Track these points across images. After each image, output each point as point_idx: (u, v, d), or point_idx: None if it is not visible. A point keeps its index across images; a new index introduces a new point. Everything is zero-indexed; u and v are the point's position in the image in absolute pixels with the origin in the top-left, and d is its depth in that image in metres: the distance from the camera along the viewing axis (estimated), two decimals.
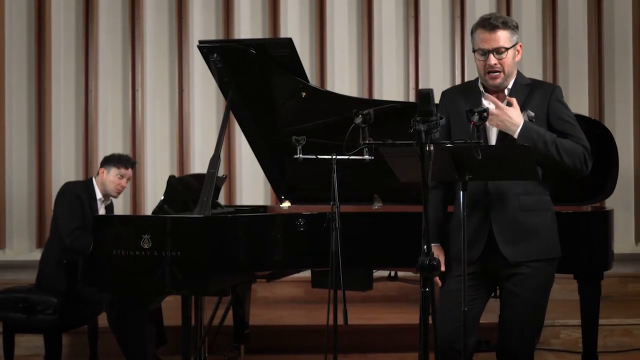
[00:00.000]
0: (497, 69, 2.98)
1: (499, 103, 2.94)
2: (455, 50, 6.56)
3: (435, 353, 2.81)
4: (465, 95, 3.11)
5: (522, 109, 3.02)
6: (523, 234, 3.00)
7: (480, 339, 5.08)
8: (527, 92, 3.06)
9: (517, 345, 3.06)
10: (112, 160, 4.71)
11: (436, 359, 2.90)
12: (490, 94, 3.05)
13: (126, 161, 4.74)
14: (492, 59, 2.97)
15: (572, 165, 2.99)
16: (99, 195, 4.68)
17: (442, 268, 3.05)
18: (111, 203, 4.84)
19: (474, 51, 3.04)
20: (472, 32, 3.06)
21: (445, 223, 3.14)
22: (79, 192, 4.61)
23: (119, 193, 4.75)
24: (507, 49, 2.98)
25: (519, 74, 3.11)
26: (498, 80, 3.01)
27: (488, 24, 2.97)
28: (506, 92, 3.07)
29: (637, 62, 6.58)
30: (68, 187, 4.67)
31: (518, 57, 3.05)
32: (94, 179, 4.73)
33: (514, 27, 3.01)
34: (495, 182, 2.99)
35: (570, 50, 6.59)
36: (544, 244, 3.04)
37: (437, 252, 3.07)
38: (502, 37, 2.97)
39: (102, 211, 4.72)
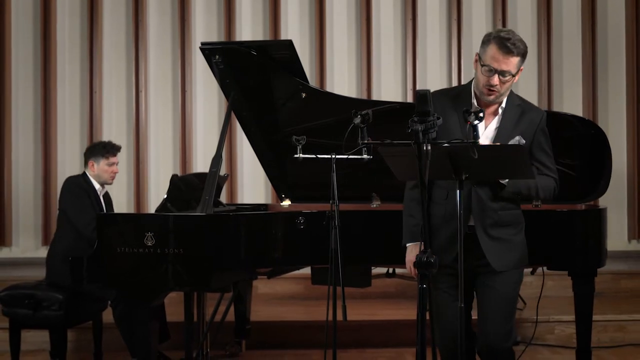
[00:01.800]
0: (496, 89, 2.99)
1: None
2: (452, 51, 6.56)
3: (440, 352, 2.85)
4: (455, 104, 3.08)
5: (514, 131, 3.06)
6: (504, 247, 3.08)
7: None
8: (519, 114, 3.09)
9: (498, 337, 3.07)
10: (97, 151, 4.71)
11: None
12: (482, 106, 3.04)
13: (111, 148, 4.74)
14: (496, 79, 2.96)
15: (544, 199, 3.21)
16: (96, 186, 4.69)
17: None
18: (107, 192, 4.85)
19: (481, 62, 2.98)
20: (485, 42, 3.00)
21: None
22: (82, 185, 4.62)
23: (113, 179, 4.78)
24: (513, 75, 2.98)
25: (511, 92, 3.11)
26: (492, 97, 3.03)
27: (505, 46, 2.93)
28: (500, 110, 3.08)
29: (630, 64, 6.58)
30: (72, 181, 4.67)
31: (516, 79, 3.04)
32: (86, 172, 4.72)
33: (524, 55, 2.99)
34: (477, 194, 3.04)
35: (565, 53, 6.58)
36: (519, 255, 3.14)
37: (417, 250, 3.07)
38: (513, 63, 2.96)
39: (102, 202, 4.74)
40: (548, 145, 3.14)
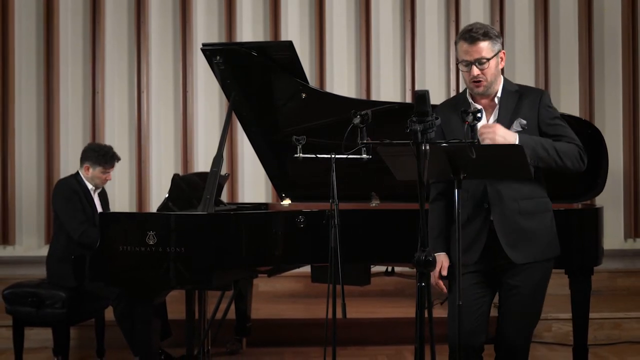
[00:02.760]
0: (480, 79, 2.99)
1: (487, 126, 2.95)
2: (450, 52, 6.56)
3: (451, 350, 2.84)
4: (455, 108, 3.07)
5: (513, 116, 3.03)
6: (525, 238, 3.00)
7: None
8: (517, 99, 3.06)
9: (516, 336, 3.05)
10: (95, 158, 4.64)
11: (452, 356, 2.94)
12: (480, 104, 3.05)
13: (110, 159, 4.68)
14: (475, 70, 2.98)
15: (572, 166, 3.01)
16: (89, 186, 4.65)
17: (445, 273, 3.06)
18: (102, 189, 4.80)
19: (458, 63, 3.04)
20: (455, 44, 3.07)
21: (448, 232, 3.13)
22: (74, 187, 4.59)
23: (104, 184, 4.75)
24: (488, 59, 2.98)
25: (505, 80, 3.11)
26: (481, 88, 3.02)
27: (469, 36, 2.97)
28: (496, 100, 3.07)
29: (626, 64, 6.58)
30: (63, 184, 4.64)
31: (502, 65, 3.05)
32: (80, 172, 4.68)
33: (495, 37, 3.00)
34: (494, 188, 3.00)
35: (562, 54, 6.58)
36: (544, 246, 3.04)
37: (444, 260, 3.07)
38: (484, 48, 2.97)
39: (97, 200, 4.70)
40: (558, 118, 3.06)
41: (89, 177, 4.65)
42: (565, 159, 2.97)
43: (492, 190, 3.00)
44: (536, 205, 3.04)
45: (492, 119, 3.06)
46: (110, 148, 4.77)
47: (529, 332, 3.09)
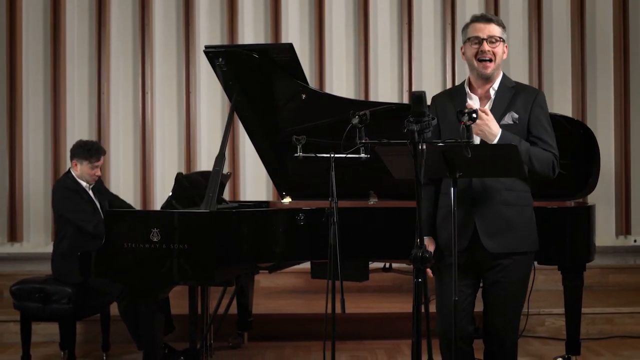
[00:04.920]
0: (489, 57, 3.01)
1: (484, 110, 2.93)
2: (447, 54, 6.56)
3: (440, 342, 2.84)
4: (452, 99, 3.11)
5: (506, 111, 3.02)
6: (503, 227, 2.99)
7: (476, 325, 5.12)
8: (512, 94, 3.06)
9: (503, 331, 3.07)
10: (81, 153, 4.60)
11: (441, 348, 2.95)
12: (476, 94, 3.06)
13: (95, 152, 4.61)
14: (486, 46, 3.01)
15: (541, 172, 3.01)
16: (83, 183, 4.62)
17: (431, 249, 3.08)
18: (100, 182, 4.75)
19: (465, 42, 3.07)
20: (464, 29, 3.10)
21: (435, 217, 3.14)
22: (70, 186, 4.56)
23: (95, 181, 4.67)
24: (499, 39, 3.03)
25: (504, 76, 3.11)
26: (489, 70, 3.02)
27: (483, 17, 3.06)
28: (492, 92, 3.07)
29: (618, 66, 6.57)
30: (60, 185, 4.61)
31: (504, 56, 3.08)
32: (71, 170, 4.65)
33: (504, 26, 3.08)
34: (479, 182, 3.00)
35: (555, 55, 6.58)
36: (521, 238, 3.04)
37: (429, 242, 3.09)
38: (495, 29, 3.03)
39: (92, 195, 4.65)
40: (547, 122, 3.07)
41: (79, 174, 4.60)
42: (536, 162, 2.98)
43: (477, 181, 3.00)
44: (517, 198, 3.03)
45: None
46: (95, 142, 4.74)
47: (515, 323, 3.09)
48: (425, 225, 3.06)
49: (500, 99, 3.05)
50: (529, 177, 3.04)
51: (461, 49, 3.13)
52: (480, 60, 3.01)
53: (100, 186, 4.78)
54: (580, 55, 6.56)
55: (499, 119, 2.98)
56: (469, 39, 3.04)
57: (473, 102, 3.01)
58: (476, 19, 3.06)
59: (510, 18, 6.58)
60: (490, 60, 3.01)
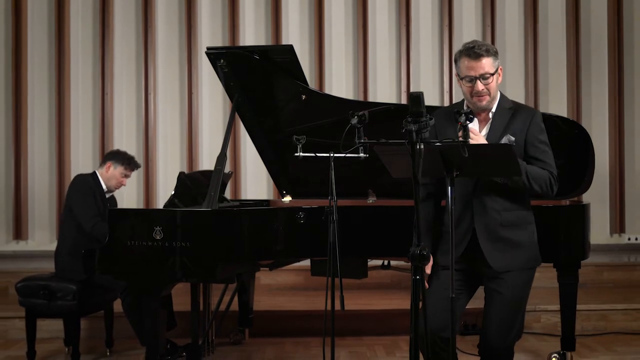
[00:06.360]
0: (484, 93, 2.98)
1: (476, 132, 2.94)
2: (444, 56, 6.56)
3: (424, 341, 2.81)
4: (451, 118, 3.06)
5: (504, 133, 3.02)
6: (506, 248, 2.99)
7: (467, 323, 5.12)
8: (510, 115, 3.05)
9: (498, 339, 3.02)
10: (121, 159, 4.67)
11: (425, 347, 2.90)
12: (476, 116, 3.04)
13: (134, 164, 4.73)
14: (480, 85, 2.96)
15: (539, 190, 3.00)
16: (104, 186, 4.65)
17: (428, 271, 3.05)
18: (112, 197, 4.79)
19: (460, 79, 3.01)
20: (456, 60, 3.04)
21: (435, 232, 3.12)
22: (91, 184, 4.58)
23: (118, 188, 4.73)
24: (491, 74, 2.97)
25: (502, 96, 3.10)
26: (484, 102, 3.01)
27: (473, 52, 2.95)
28: (490, 115, 3.06)
29: (612, 69, 6.58)
30: (81, 180, 4.62)
31: (500, 80, 3.05)
32: (97, 172, 4.68)
33: (495, 54, 3.00)
34: (479, 199, 2.99)
35: (550, 57, 6.58)
36: (526, 256, 3.04)
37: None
38: (487, 64, 2.96)
39: (105, 201, 4.68)
40: (545, 141, 3.05)
41: (108, 176, 4.64)
42: (534, 182, 2.96)
43: (477, 202, 3.00)
44: (517, 218, 3.03)
45: (484, 132, 3.06)
46: (133, 157, 4.80)
47: (509, 335, 3.04)
48: (425, 239, 3.03)
49: (498, 121, 3.04)
50: (527, 195, 3.05)
51: (456, 75, 3.08)
52: (476, 96, 2.99)
53: (113, 201, 4.81)
54: (575, 57, 6.57)
55: (496, 141, 2.99)
56: (462, 77, 2.99)
57: (472, 125, 2.98)
58: (466, 53, 2.97)
59: (507, 20, 6.58)
60: (486, 95, 2.99)
